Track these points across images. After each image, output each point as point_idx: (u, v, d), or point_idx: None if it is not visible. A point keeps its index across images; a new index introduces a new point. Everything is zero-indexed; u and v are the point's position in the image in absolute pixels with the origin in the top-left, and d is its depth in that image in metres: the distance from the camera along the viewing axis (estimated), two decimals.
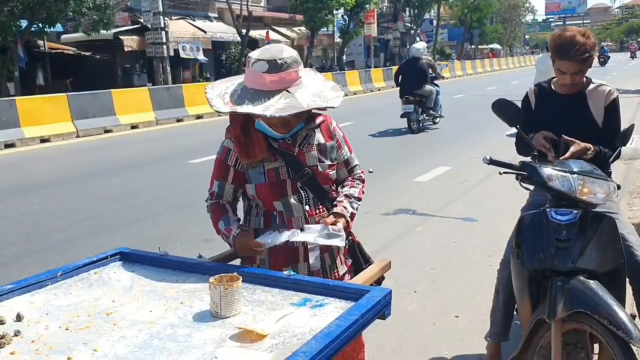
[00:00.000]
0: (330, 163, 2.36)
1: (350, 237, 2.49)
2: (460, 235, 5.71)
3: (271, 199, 2.30)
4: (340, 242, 2.23)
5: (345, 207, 2.33)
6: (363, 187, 2.49)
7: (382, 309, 1.80)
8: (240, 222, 2.37)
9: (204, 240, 5.44)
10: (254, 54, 2.20)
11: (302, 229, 2.26)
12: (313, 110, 2.31)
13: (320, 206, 2.35)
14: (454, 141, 11.57)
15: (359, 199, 2.43)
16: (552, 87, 3.01)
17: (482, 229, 5.87)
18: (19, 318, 1.78)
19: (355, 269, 2.47)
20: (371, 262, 2.47)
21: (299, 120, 2.27)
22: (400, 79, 12.28)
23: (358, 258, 2.51)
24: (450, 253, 5.23)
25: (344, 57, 38.15)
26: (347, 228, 2.31)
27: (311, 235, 2.22)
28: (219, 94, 2.23)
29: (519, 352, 2.64)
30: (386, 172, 8.40)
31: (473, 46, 59.57)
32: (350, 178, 2.47)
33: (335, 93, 2.26)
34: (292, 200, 2.29)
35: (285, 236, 2.22)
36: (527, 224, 2.64)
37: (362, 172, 2.52)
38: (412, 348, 3.53)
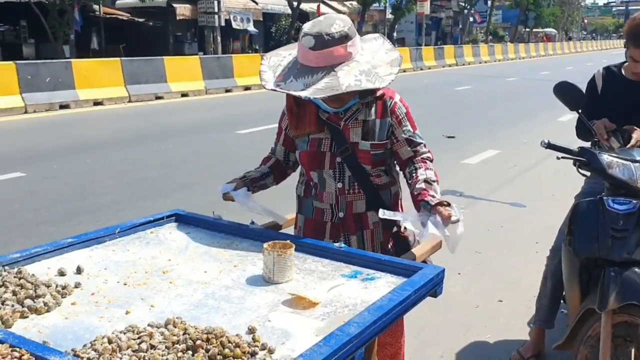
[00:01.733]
0: (375, 142, 2.21)
1: (396, 229, 2.35)
2: (508, 220, 5.62)
3: (309, 169, 2.28)
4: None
5: (433, 196, 2.10)
6: (434, 166, 2.27)
7: (434, 287, 1.79)
8: (258, 172, 2.40)
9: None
10: (305, 27, 2.11)
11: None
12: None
13: (356, 186, 2.24)
14: (505, 125, 11.34)
15: (438, 182, 2.21)
16: (623, 72, 2.89)
17: (531, 215, 5.76)
18: (79, 271, 1.84)
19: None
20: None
21: (353, 96, 2.17)
22: None
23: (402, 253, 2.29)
24: (496, 237, 5.16)
25: (395, 34, 37.67)
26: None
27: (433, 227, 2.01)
28: (273, 65, 2.19)
29: (565, 341, 2.59)
30: (434, 153, 8.29)
31: (527, 29, 57.87)
32: (420, 159, 2.26)
33: (389, 70, 2.12)
34: (326, 175, 2.24)
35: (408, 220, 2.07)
36: (582, 212, 2.57)
37: (430, 152, 2.32)
38: (454, 329, 3.52)
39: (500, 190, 6.68)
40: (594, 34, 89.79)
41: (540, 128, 10.47)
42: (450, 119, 12.06)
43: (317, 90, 2.02)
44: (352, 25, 2.15)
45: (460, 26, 47.15)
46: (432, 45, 34.30)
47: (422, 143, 2.30)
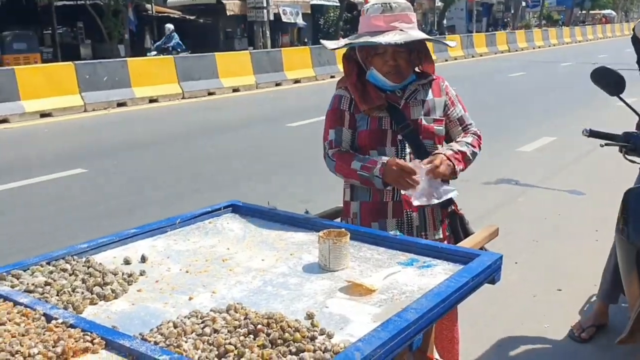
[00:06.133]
0: (437, 118, 2.33)
1: (452, 207, 2.40)
2: (565, 208, 5.49)
3: (369, 147, 2.30)
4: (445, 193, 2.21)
5: (447, 149, 2.28)
6: (478, 140, 2.39)
7: (492, 274, 1.78)
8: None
9: (301, 201, 5.56)
10: (369, 3, 2.29)
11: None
12: (424, 70, 2.38)
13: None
14: (560, 111, 11.03)
15: (472, 145, 2.35)
16: None
17: (589, 202, 5.61)
18: (143, 259, 1.91)
19: (455, 243, 2.38)
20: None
21: (410, 71, 2.31)
22: None
23: (458, 231, 2.40)
24: (553, 225, 5.05)
25: (445, 22, 37.11)
26: (449, 166, 2.23)
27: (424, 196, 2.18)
28: (332, 42, 2.38)
29: (628, 334, 2.51)
30: (488, 141, 8.11)
31: (584, 11, 55.86)
32: (465, 133, 2.41)
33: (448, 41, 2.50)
34: (388, 152, 2.28)
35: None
36: (633, 199, 2.49)
37: (478, 130, 2.44)
38: (511, 318, 3.47)
39: (557, 177, 6.53)
40: None
41: (597, 114, 10.12)
42: (504, 106, 11.81)
43: (395, 39, 2.15)
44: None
45: (512, 11, 45.98)
46: (483, 32, 33.62)
47: (472, 124, 2.46)
